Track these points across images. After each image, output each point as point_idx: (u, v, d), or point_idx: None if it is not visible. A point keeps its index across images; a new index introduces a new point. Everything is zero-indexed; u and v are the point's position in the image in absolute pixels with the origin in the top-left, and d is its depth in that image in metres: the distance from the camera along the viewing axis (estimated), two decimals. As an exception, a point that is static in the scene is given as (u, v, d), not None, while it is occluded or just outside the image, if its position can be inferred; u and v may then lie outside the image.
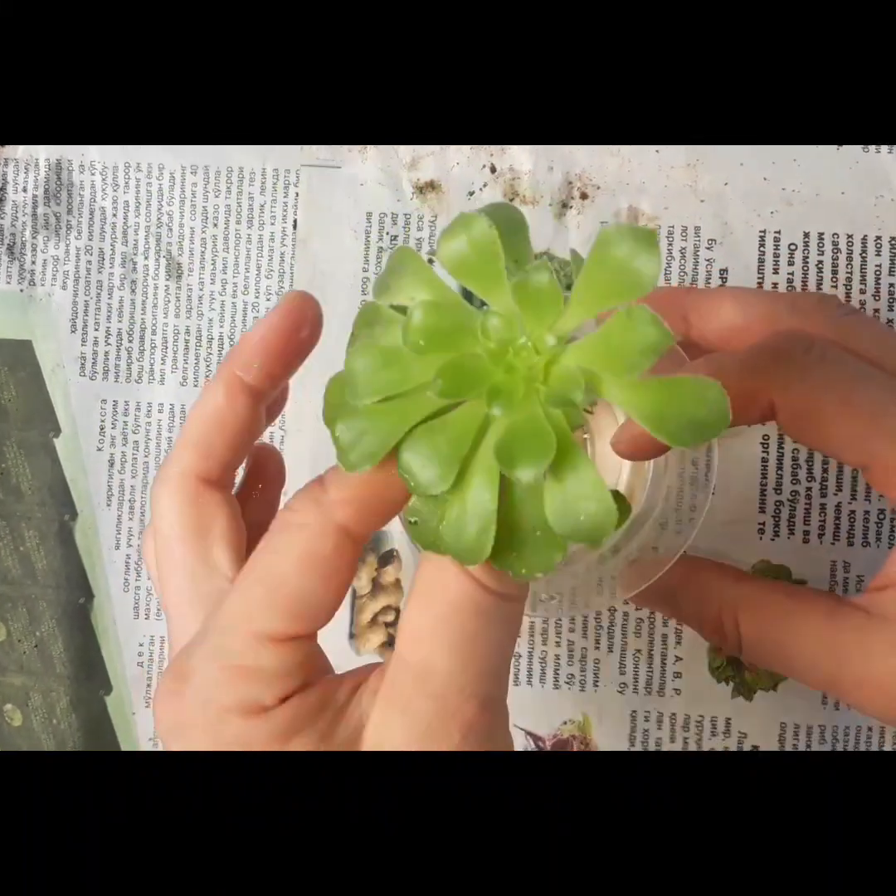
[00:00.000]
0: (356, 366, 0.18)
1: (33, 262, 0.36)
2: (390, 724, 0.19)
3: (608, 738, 0.34)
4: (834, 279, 0.33)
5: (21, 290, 0.37)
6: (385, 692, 0.19)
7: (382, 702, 0.19)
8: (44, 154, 0.36)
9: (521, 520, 0.18)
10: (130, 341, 0.36)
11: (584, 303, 0.17)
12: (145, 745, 0.36)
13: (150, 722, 0.36)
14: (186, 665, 0.20)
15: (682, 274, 0.33)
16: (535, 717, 0.34)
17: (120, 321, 0.36)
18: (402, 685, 0.19)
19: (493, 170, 0.34)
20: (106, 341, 0.36)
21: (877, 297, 0.33)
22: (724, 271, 0.33)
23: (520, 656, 0.34)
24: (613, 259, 0.16)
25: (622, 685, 0.34)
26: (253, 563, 0.20)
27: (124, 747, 0.35)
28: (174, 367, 0.36)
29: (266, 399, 0.22)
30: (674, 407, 0.17)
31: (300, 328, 0.22)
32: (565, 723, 0.34)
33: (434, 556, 0.19)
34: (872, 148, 0.33)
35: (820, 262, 0.33)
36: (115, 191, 0.36)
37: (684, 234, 0.33)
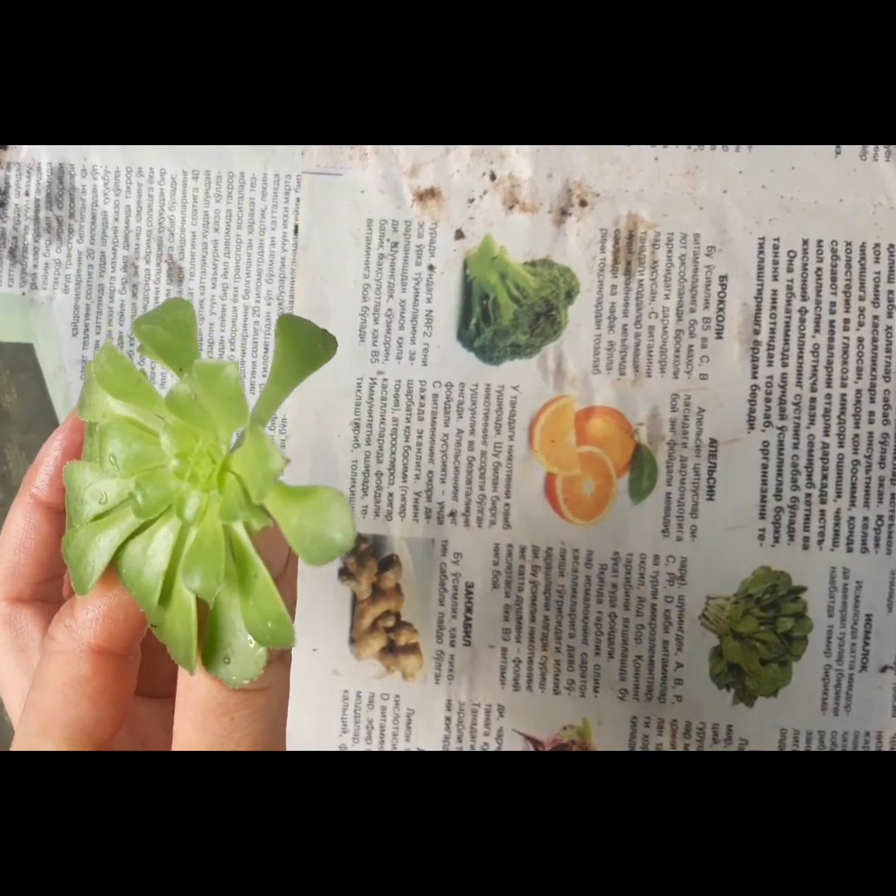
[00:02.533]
0: (70, 482, 0.19)
1: (35, 266, 0.37)
2: None
3: (608, 743, 0.34)
4: (833, 286, 0.33)
5: (23, 294, 0.37)
6: None
7: None
8: (46, 158, 0.36)
9: (227, 627, 0.19)
10: (132, 345, 0.36)
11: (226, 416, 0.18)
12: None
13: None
14: None
15: (681, 280, 0.34)
16: (535, 721, 0.34)
17: (121, 325, 0.36)
18: None
19: (492, 177, 0.34)
20: (107, 345, 0.36)
21: (876, 304, 0.33)
22: (723, 278, 0.33)
23: (520, 662, 0.34)
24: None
25: (622, 691, 0.34)
26: (29, 693, 0.20)
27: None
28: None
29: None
30: (306, 521, 0.17)
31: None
32: (565, 728, 0.34)
33: None
34: (870, 155, 0.33)
35: (819, 269, 0.33)
36: (116, 195, 0.36)
37: (684, 241, 0.34)
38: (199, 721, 0.19)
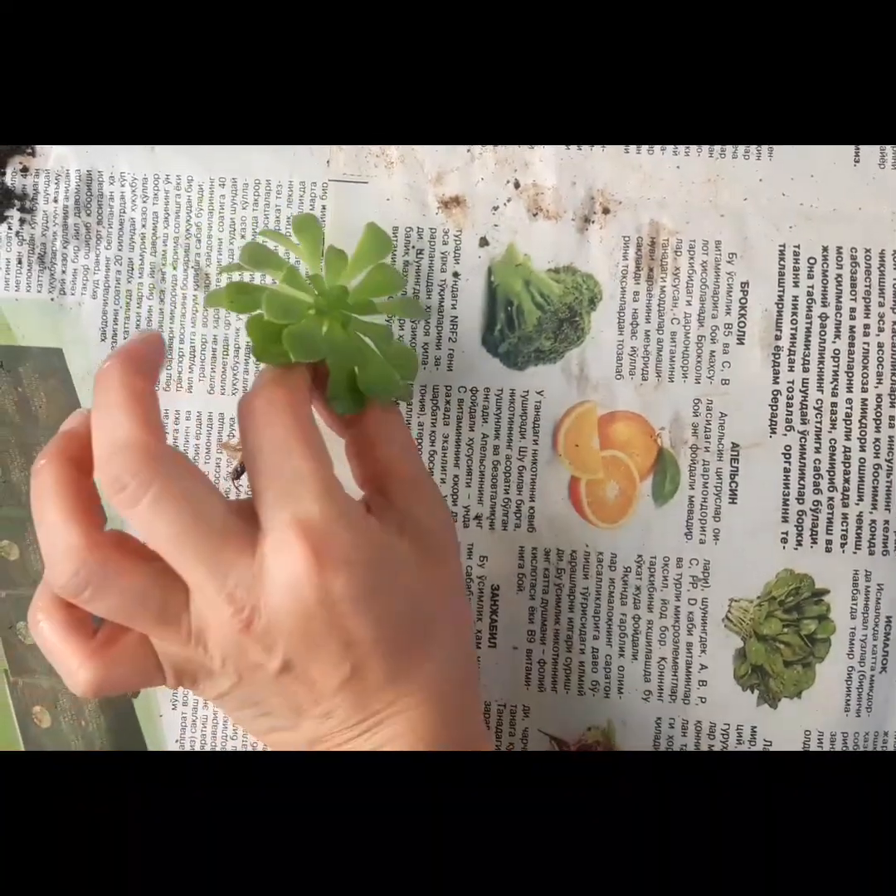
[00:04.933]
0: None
1: (64, 272, 0.37)
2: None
3: (632, 744, 0.34)
4: (852, 293, 0.33)
5: (52, 299, 0.37)
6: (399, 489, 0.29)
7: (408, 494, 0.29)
8: (75, 165, 0.37)
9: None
10: (159, 350, 0.36)
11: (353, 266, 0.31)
12: (172, 747, 0.36)
13: (176, 724, 0.36)
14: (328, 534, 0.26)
15: (703, 287, 0.34)
16: (560, 722, 0.34)
17: (149, 330, 0.37)
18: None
19: (516, 185, 0.35)
20: (135, 350, 0.37)
21: (895, 310, 0.33)
22: (744, 284, 0.34)
23: (544, 663, 0.35)
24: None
25: (647, 692, 0.34)
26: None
27: (151, 749, 0.36)
28: (202, 375, 0.36)
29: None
30: None
31: (157, 348, 0.30)
32: (590, 728, 0.34)
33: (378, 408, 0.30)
34: (888, 164, 0.34)
35: (839, 275, 0.34)
36: (144, 202, 0.37)
37: (705, 247, 0.34)
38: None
